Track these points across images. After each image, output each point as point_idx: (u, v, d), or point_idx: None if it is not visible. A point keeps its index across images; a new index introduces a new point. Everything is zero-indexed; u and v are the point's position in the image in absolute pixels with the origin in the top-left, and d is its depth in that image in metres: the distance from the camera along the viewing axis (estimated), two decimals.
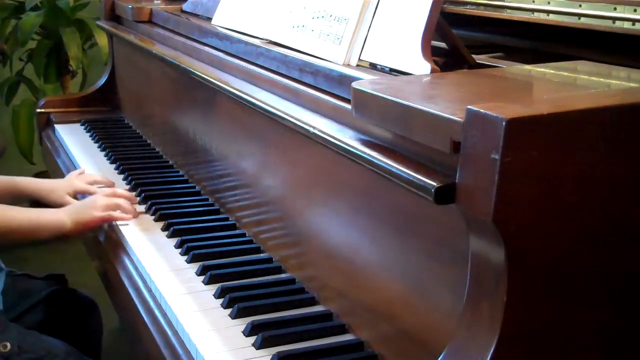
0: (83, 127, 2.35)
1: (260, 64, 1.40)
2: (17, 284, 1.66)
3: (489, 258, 0.77)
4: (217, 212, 1.62)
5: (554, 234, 0.76)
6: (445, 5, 1.44)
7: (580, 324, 0.81)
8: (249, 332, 1.14)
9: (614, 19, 1.16)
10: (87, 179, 1.78)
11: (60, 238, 1.59)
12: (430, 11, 1.09)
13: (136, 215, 1.60)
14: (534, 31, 1.37)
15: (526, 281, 0.76)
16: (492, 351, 0.75)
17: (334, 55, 1.22)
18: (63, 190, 1.73)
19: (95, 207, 1.56)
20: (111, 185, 1.78)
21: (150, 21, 2.13)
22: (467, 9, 1.45)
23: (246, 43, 1.47)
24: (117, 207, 1.58)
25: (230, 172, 1.59)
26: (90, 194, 1.70)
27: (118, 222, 1.57)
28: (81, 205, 1.61)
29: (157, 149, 2.08)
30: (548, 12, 1.28)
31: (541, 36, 1.36)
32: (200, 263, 1.36)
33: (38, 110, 2.47)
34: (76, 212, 1.57)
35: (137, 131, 2.27)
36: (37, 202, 1.77)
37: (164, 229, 1.54)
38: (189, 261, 1.39)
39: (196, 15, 1.89)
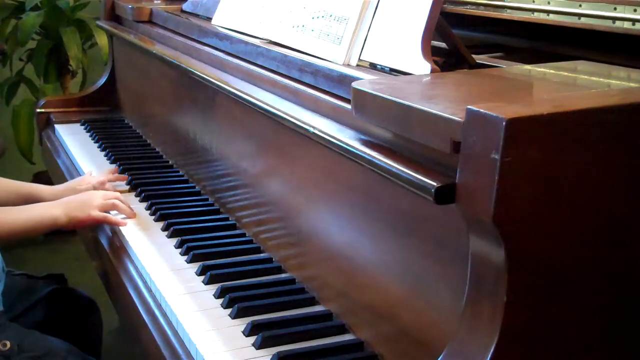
0: (83, 127, 2.35)
1: (260, 64, 1.40)
2: (16, 284, 1.66)
3: (489, 258, 0.77)
4: (217, 212, 1.62)
5: (554, 233, 0.76)
6: (445, 5, 1.44)
7: (580, 324, 0.81)
8: (249, 332, 1.14)
9: (614, 19, 1.16)
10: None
11: (56, 234, 1.57)
12: (430, 11, 1.09)
13: (133, 215, 1.60)
14: (534, 31, 1.37)
15: (526, 281, 0.76)
16: (492, 351, 0.75)
17: (334, 55, 1.22)
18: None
19: (91, 206, 1.55)
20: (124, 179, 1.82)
21: (150, 21, 2.13)
22: (467, 9, 1.45)
23: (246, 43, 1.47)
24: (113, 207, 1.58)
25: (230, 172, 1.59)
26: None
27: None
28: (78, 201, 1.59)
29: (157, 149, 2.08)
30: (548, 12, 1.28)
31: (541, 36, 1.36)
32: (200, 263, 1.36)
33: (38, 110, 2.47)
34: (73, 207, 1.55)
35: (137, 131, 2.27)
36: None
37: (164, 229, 1.54)
38: (189, 261, 1.39)
39: (196, 15, 1.89)
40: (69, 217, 1.53)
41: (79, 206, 1.56)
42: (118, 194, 1.64)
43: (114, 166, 1.93)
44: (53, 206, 1.56)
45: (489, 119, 0.73)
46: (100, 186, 1.71)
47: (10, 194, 1.70)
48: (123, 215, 1.59)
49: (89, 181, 1.74)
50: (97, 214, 1.55)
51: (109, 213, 1.58)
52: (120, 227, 1.55)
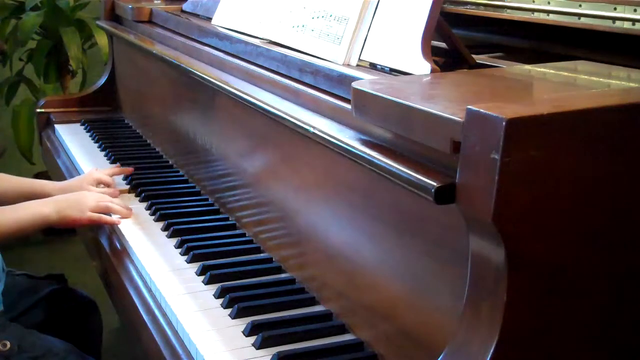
0: (83, 127, 2.35)
1: (260, 64, 1.40)
2: (17, 284, 1.66)
3: (489, 258, 0.77)
4: (217, 212, 1.62)
5: (554, 233, 0.76)
6: (445, 5, 1.44)
7: (580, 324, 0.81)
8: (249, 332, 1.14)
9: (614, 19, 1.16)
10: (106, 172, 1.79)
11: (56, 234, 1.56)
12: (430, 11, 1.09)
13: (129, 215, 1.60)
14: (534, 31, 1.37)
15: (526, 281, 0.76)
16: (492, 351, 0.75)
17: (334, 55, 1.22)
18: (87, 183, 1.73)
19: (86, 206, 1.55)
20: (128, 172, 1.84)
21: (150, 21, 2.13)
22: (467, 9, 1.45)
23: (246, 43, 1.47)
24: (107, 209, 1.58)
25: (230, 172, 1.59)
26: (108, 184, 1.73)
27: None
28: (71, 200, 1.58)
29: (157, 149, 2.08)
30: (548, 12, 1.28)
31: (541, 36, 1.36)
32: (200, 263, 1.36)
33: (38, 110, 2.47)
34: (65, 206, 1.55)
35: (137, 131, 2.27)
36: None
37: (164, 229, 1.54)
38: (189, 261, 1.39)
39: (196, 15, 1.89)
40: (61, 215, 1.53)
41: (72, 205, 1.55)
42: (111, 204, 1.61)
43: (115, 165, 1.94)
44: (43, 204, 1.56)
45: (489, 119, 0.73)
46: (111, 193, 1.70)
47: (15, 191, 1.71)
48: (119, 215, 1.59)
49: (95, 177, 1.74)
50: (91, 214, 1.54)
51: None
52: (120, 227, 1.54)
